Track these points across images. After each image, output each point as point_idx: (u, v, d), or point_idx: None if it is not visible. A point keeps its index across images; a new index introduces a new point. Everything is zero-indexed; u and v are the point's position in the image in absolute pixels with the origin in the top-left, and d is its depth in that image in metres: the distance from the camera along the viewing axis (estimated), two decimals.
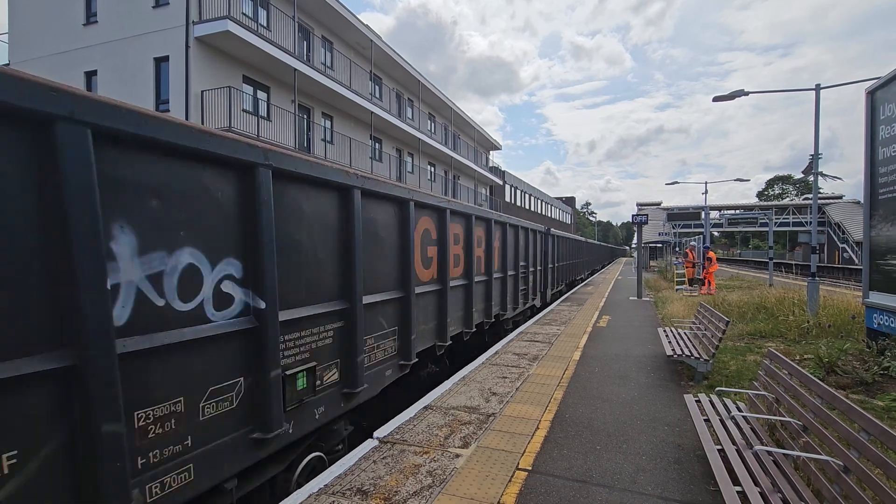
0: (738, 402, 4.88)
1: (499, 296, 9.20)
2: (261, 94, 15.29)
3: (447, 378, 7.69)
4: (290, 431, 3.60)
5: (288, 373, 3.56)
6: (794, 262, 49.80)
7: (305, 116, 17.40)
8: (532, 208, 55.89)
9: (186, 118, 12.73)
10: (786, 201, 76.05)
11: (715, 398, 4.78)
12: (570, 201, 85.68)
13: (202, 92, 12.93)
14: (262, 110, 15.14)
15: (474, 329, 7.81)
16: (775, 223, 54.94)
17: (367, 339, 4.66)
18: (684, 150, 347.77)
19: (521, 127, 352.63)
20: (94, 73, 14.23)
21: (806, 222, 55.50)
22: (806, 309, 10.47)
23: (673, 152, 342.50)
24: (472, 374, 7.56)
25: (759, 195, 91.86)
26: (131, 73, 13.70)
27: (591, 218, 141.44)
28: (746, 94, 13.35)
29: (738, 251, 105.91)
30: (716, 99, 13.78)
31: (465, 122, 34.18)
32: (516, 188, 49.16)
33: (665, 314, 13.76)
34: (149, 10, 13.43)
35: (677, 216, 27.70)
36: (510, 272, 9.62)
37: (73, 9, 14.65)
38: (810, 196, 74.62)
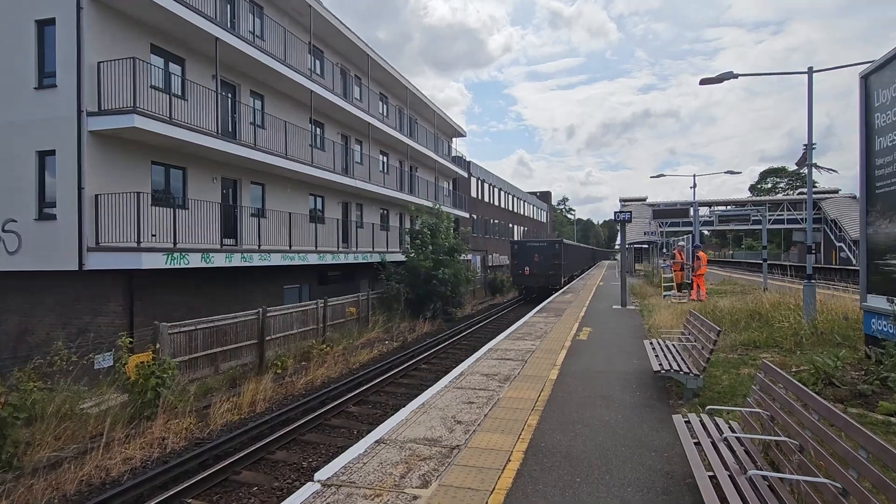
0: (730, 420, 5.09)
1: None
2: (174, 68, 14.78)
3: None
4: None
5: None
6: (789, 263, 52.62)
7: (230, 95, 16.95)
8: (502, 204, 56.60)
9: (79, 95, 12.16)
10: (779, 196, 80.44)
11: (706, 418, 4.97)
12: (545, 196, 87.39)
13: (98, 63, 12.37)
14: (176, 87, 14.63)
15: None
16: (769, 220, 57.86)
17: None
18: (673, 137, 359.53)
19: (489, 110, 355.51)
20: None
21: (801, 219, 58.88)
22: (802, 315, 11.08)
23: (660, 140, 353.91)
24: (433, 400, 7.54)
25: (752, 189, 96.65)
26: (7, 38, 12.95)
27: (569, 216, 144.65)
28: (735, 76, 13.99)
29: (731, 252, 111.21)
30: (703, 82, 14.34)
31: (423, 103, 34.24)
32: (484, 181, 49.63)
33: (652, 324, 14.23)
34: None
35: (664, 213, 28.78)
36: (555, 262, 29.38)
37: None
38: (805, 190, 78.73)
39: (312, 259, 18.52)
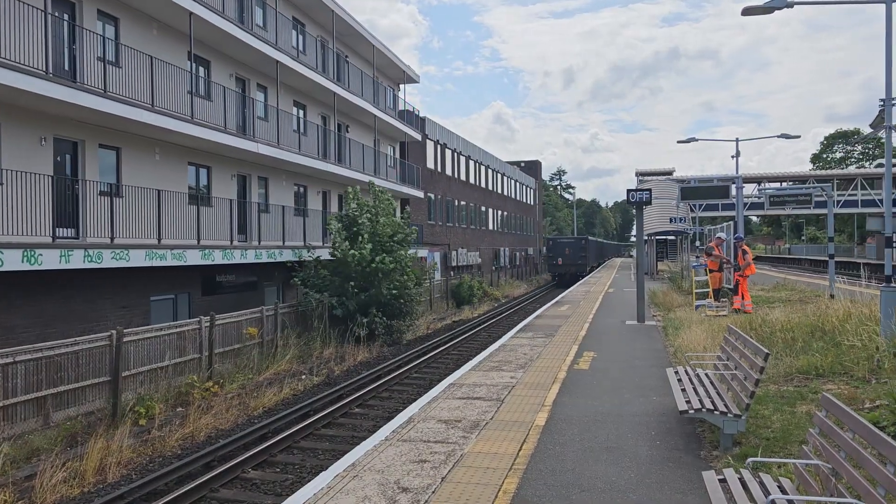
0: (781, 477, 5.25)
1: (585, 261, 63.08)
2: None
3: None
4: None
5: None
6: (864, 261, 54.85)
7: (66, 16, 16.40)
8: (472, 179, 56.95)
9: None
10: (852, 169, 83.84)
11: (748, 474, 5.10)
12: (533, 168, 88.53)
13: None
14: None
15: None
16: (838, 202, 60.23)
17: None
18: (711, 87, 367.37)
19: (453, 44, 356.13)
20: None
21: (880, 201, 61.48)
22: (879, 331, 11.53)
23: (693, 91, 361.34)
24: (369, 459, 7.51)
25: (815, 160, 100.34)
26: None
27: (566, 195, 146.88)
28: (791, 4, 14.49)
29: (787, 245, 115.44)
30: (747, 11, 14.80)
31: (357, 34, 33.95)
32: (445, 146, 49.76)
33: (678, 346, 14.59)
34: None
35: (696, 192, 29.27)
36: (582, 254, 63.14)
37: None
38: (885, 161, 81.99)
39: (193, 258, 18.19)
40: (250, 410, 14.73)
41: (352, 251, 22.61)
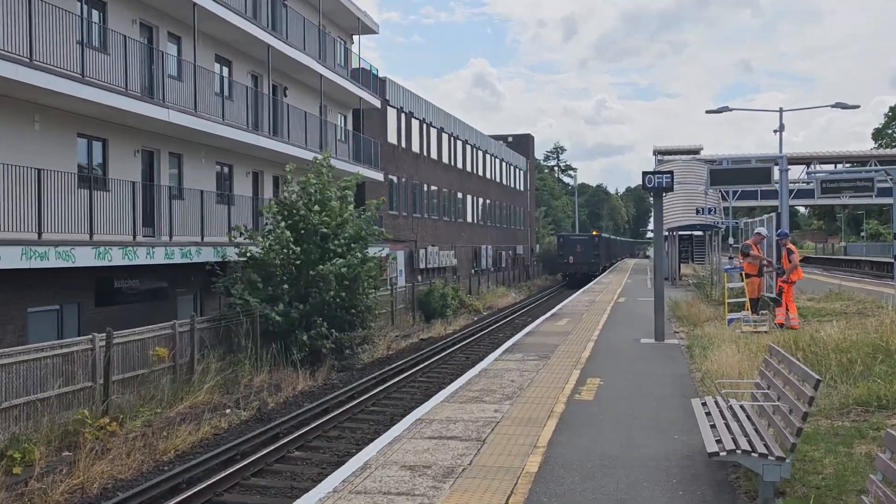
0: None
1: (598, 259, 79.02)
2: None
3: None
4: None
5: None
6: None
7: None
8: (445, 157, 56.93)
9: None
10: None
11: None
12: (523, 144, 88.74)
13: None
14: None
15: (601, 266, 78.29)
16: None
17: None
18: (748, 43, 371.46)
19: None
20: None
21: None
22: None
23: (726, 47, 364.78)
24: None
25: (878, 136, 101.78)
26: None
27: (565, 179, 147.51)
28: None
29: (843, 244, 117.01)
30: None
31: None
32: (411, 115, 49.69)
33: (707, 370, 14.63)
34: None
35: (730, 175, 29.55)
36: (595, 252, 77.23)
37: None
38: None
39: (85, 257, 18.01)
40: (159, 454, 14.57)
41: (288, 253, 22.65)
